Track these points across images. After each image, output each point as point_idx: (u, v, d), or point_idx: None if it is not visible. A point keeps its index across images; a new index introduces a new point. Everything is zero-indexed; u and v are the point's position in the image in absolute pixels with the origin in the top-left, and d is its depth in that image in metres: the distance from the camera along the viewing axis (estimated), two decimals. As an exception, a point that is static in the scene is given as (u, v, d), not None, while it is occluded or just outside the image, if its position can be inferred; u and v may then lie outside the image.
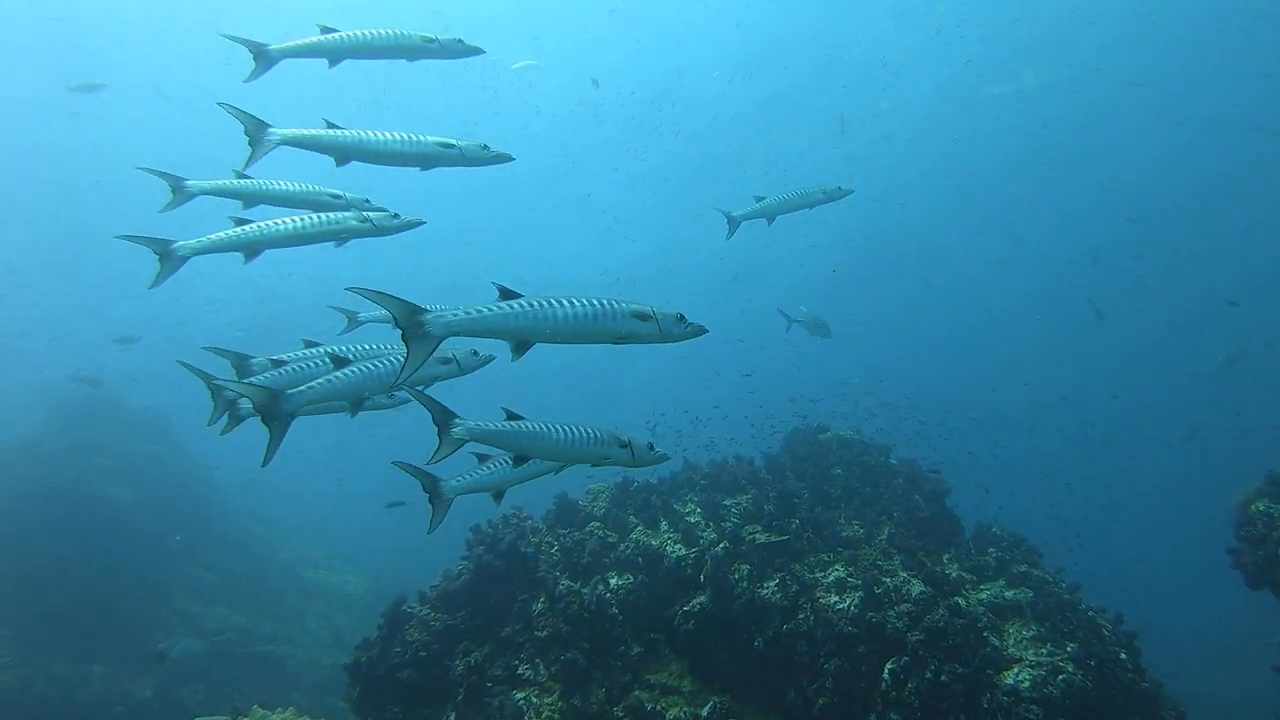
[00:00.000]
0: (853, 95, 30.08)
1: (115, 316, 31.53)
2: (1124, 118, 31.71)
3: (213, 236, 5.54)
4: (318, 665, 15.31)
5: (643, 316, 4.07)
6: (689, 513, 8.55)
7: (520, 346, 4.02)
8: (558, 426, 4.69)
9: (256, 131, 5.74)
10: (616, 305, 4.04)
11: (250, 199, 5.91)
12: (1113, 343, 33.98)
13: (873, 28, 29.44)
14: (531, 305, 3.94)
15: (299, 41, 6.20)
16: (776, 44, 30.43)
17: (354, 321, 7.16)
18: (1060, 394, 29.55)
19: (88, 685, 12.99)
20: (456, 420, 4.51)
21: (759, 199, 9.20)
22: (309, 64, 6.37)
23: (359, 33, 6.21)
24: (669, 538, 8.17)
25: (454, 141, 5.82)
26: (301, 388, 4.81)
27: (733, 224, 9.29)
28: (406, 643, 7.62)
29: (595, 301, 4.01)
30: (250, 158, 5.81)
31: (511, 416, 4.66)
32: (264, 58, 6.17)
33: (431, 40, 6.32)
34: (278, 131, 5.76)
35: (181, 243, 5.48)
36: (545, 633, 7.45)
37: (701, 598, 7.59)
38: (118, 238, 5.59)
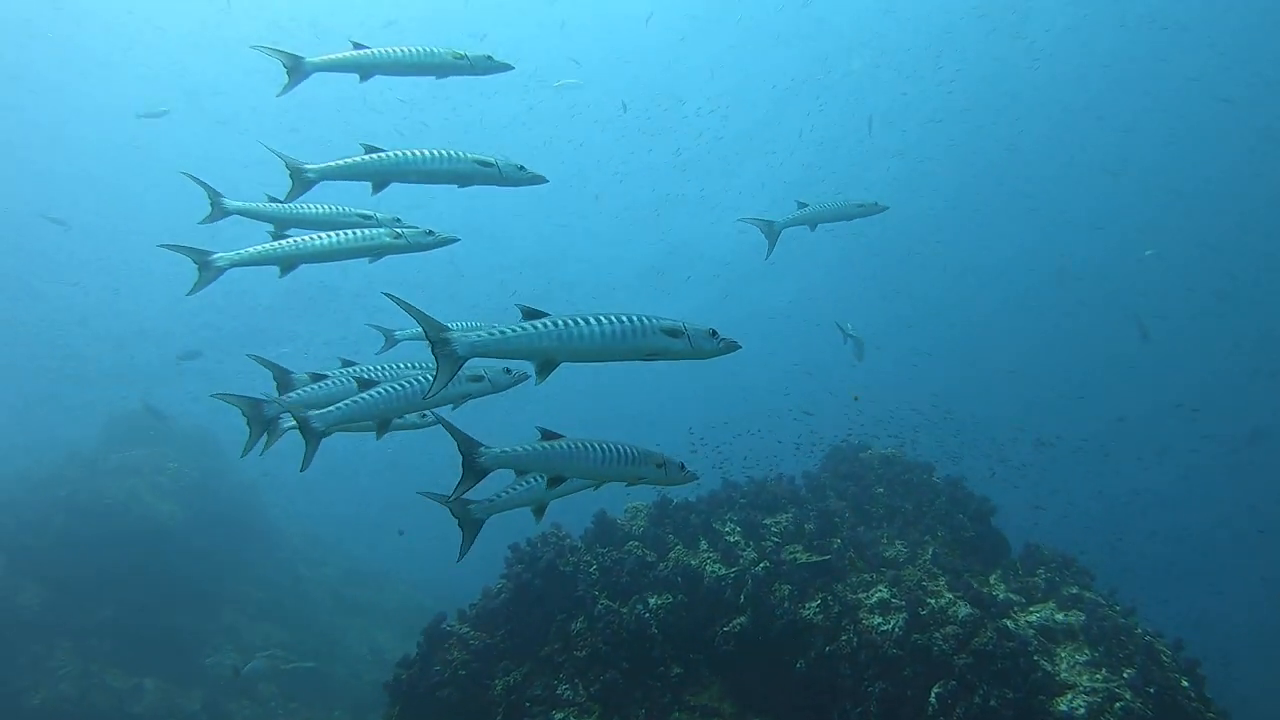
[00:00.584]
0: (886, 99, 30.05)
1: (164, 327, 32.45)
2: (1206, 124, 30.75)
3: (250, 250, 5.65)
4: (359, 682, 15.43)
5: (674, 333, 3.96)
6: (728, 532, 8.45)
7: (546, 367, 3.95)
8: (592, 445, 4.62)
9: (295, 170, 5.87)
10: (646, 322, 3.93)
11: (282, 223, 6.02)
12: (1167, 347, 32.92)
13: (907, 38, 29.31)
14: (558, 324, 3.87)
15: (333, 56, 6.31)
16: (807, 50, 30.46)
17: (391, 340, 7.28)
18: (1100, 398, 28.83)
19: (139, 698, 13.28)
20: (483, 449, 4.42)
21: (801, 205, 9.07)
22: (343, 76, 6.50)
23: (391, 49, 6.30)
24: (708, 557, 8.08)
25: (492, 160, 5.84)
26: (331, 407, 4.89)
27: (772, 236, 9.07)
28: (446, 661, 7.64)
29: (624, 318, 3.91)
30: (290, 193, 5.94)
31: (547, 435, 4.59)
32: (298, 71, 6.29)
33: (462, 57, 6.37)
34: (314, 168, 5.87)
35: (219, 255, 5.61)
36: (584, 652, 7.41)
37: (742, 618, 7.49)
38: (160, 246, 5.72)
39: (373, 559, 22.78)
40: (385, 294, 4.03)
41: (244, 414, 5.11)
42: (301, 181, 5.90)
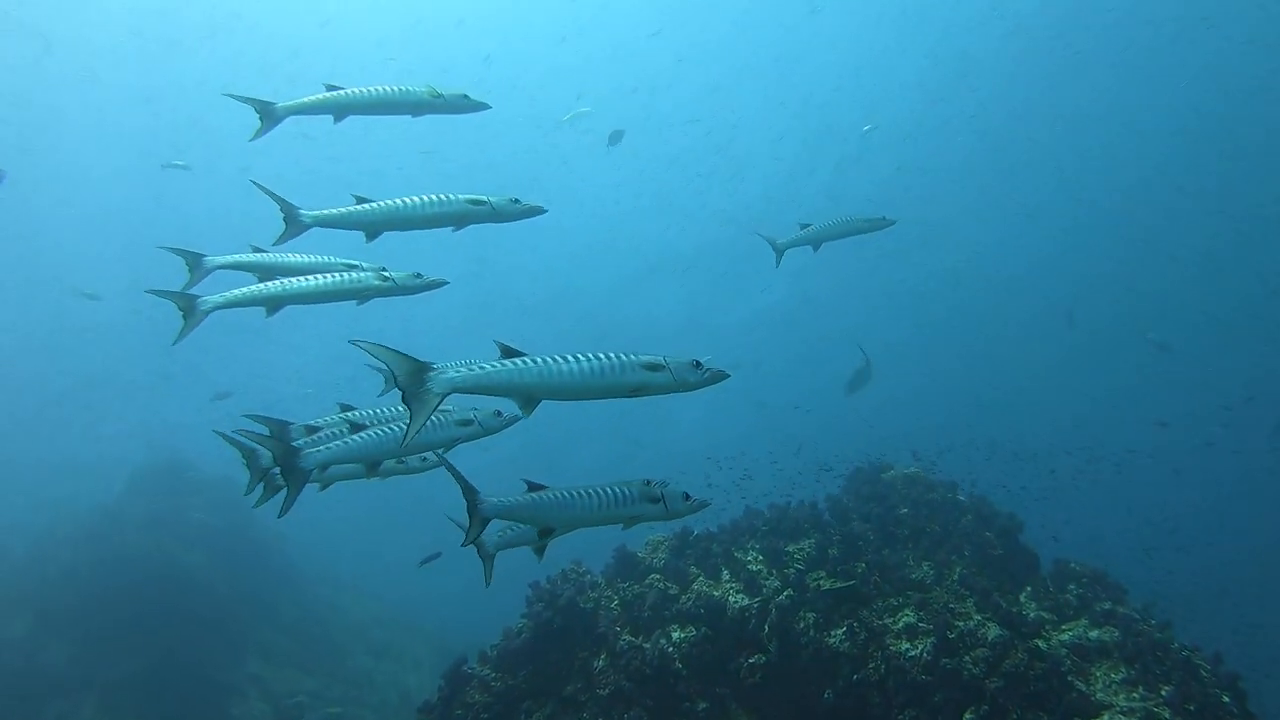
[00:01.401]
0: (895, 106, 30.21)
1: (179, 372, 32.85)
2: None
3: (236, 293, 5.52)
4: (388, 727, 15.32)
5: (654, 367, 3.94)
6: (751, 561, 8.32)
7: (529, 403, 3.91)
8: (583, 492, 4.61)
9: (290, 213, 5.82)
10: (626, 358, 3.91)
11: (266, 274, 5.82)
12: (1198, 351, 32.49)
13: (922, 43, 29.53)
14: (538, 362, 3.86)
15: (306, 99, 6.30)
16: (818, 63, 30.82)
17: (391, 380, 7.22)
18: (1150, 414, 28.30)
19: (165, 751, 13.21)
20: (481, 498, 4.44)
21: (803, 226, 9.09)
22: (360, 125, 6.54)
23: (364, 89, 6.29)
24: (731, 587, 7.96)
25: (485, 198, 5.78)
26: (319, 447, 4.83)
27: (778, 251, 9.18)
28: (467, 705, 7.54)
29: (604, 355, 3.88)
30: (282, 236, 5.88)
31: (533, 487, 4.61)
32: (270, 115, 6.30)
33: (437, 95, 6.33)
34: (309, 214, 5.82)
35: (205, 298, 5.49)
36: (607, 690, 7.29)
37: (767, 649, 7.35)
38: (148, 292, 5.58)
39: (402, 600, 22.68)
40: (352, 342, 3.93)
41: (242, 455, 5.01)
42: (296, 224, 5.85)
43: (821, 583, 7.68)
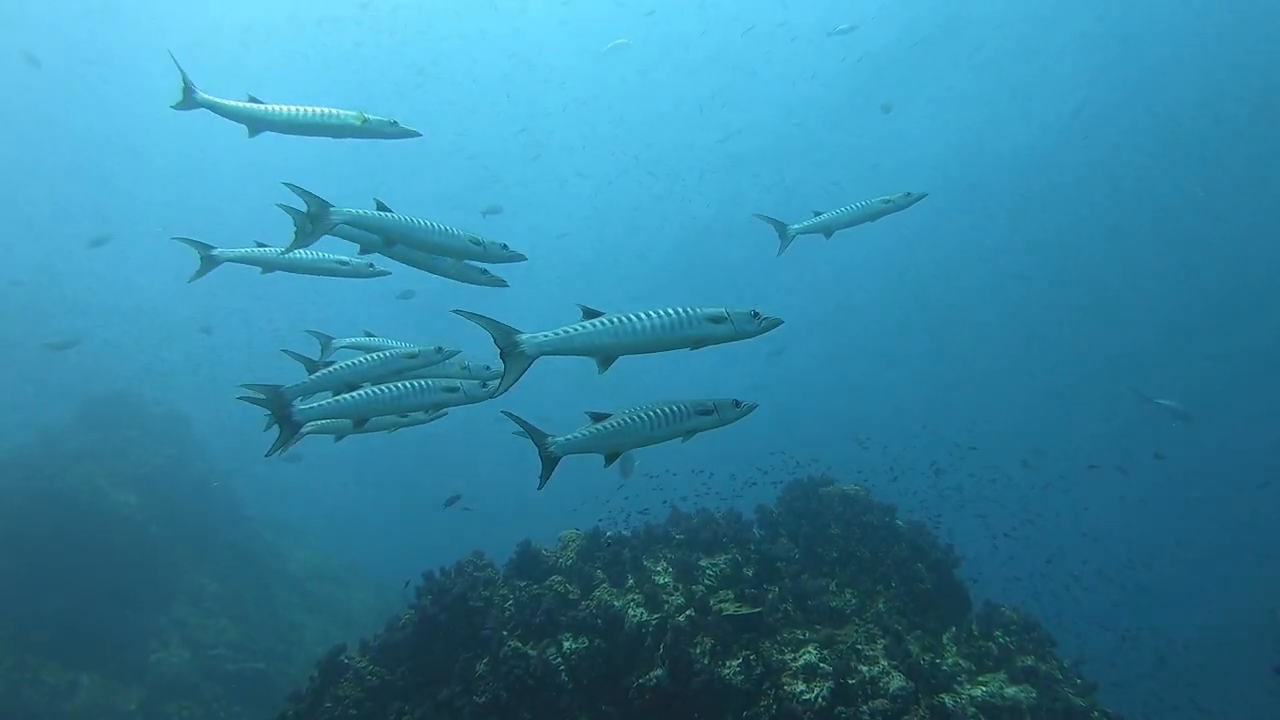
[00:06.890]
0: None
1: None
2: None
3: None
4: (309, 687, 14.93)
5: (717, 319, 4.38)
6: (660, 572, 7.79)
7: (606, 361, 4.39)
8: (640, 413, 4.80)
9: (319, 211, 5.67)
10: (692, 311, 4.34)
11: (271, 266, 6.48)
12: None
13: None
14: (614, 322, 4.31)
15: (225, 101, 6.13)
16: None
17: (328, 346, 7.20)
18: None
19: (74, 694, 12.83)
20: (550, 439, 4.76)
21: (817, 214, 8.41)
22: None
23: (286, 108, 6.12)
24: (633, 599, 7.43)
25: (481, 239, 6.02)
26: (312, 405, 5.43)
27: (786, 238, 8.53)
28: (338, 698, 7.09)
29: (672, 311, 4.32)
30: (308, 235, 5.80)
31: (597, 417, 4.81)
32: (189, 99, 6.19)
33: (365, 121, 6.22)
34: (339, 212, 5.73)
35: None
36: (484, 699, 6.82)
37: (659, 671, 6.83)
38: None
39: (346, 553, 22.30)
40: (455, 311, 4.38)
41: (271, 412, 5.43)
42: (324, 225, 5.72)
43: (725, 606, 7.14)
